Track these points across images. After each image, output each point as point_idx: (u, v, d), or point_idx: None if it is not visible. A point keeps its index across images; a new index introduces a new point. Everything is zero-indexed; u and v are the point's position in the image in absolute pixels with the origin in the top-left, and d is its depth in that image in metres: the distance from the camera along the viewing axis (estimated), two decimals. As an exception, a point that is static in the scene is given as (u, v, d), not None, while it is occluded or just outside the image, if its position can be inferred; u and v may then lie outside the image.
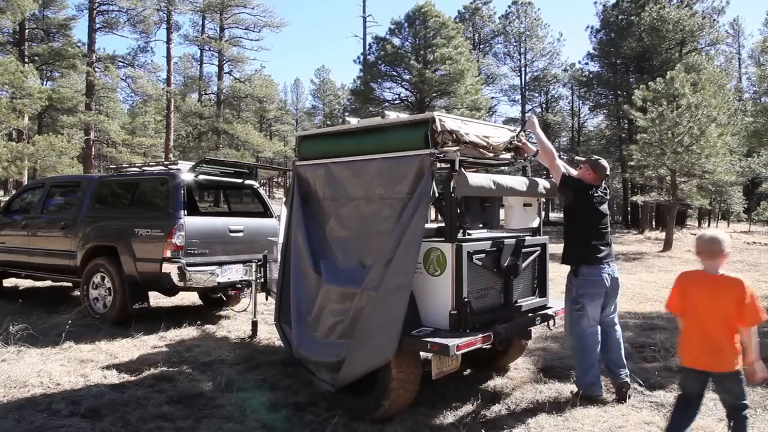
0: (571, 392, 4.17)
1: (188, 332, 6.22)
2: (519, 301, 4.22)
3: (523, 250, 4.23)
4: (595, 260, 4.04)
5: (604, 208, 4.20)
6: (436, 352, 3.43)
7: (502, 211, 4.52)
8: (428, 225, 4.14)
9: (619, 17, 31.97)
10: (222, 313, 7.48)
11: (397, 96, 29.07)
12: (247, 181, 7.43)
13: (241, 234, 6.76)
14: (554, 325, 4.52)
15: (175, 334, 6.09)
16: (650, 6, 29.45)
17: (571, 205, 4.21)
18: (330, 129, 4.48)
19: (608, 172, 4.35)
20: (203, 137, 32.49)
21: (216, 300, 7.72)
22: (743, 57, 48.69)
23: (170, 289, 6.60)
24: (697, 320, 2.99)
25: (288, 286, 4.27)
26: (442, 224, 4.02)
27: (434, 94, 27.72)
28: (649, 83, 19.90)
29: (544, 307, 4.48)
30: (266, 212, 7.43)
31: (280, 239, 4.91)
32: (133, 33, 29.98)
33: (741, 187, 33.47)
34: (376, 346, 3.54)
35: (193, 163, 6.90)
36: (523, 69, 42.81)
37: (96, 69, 27.39)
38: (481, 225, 4.23)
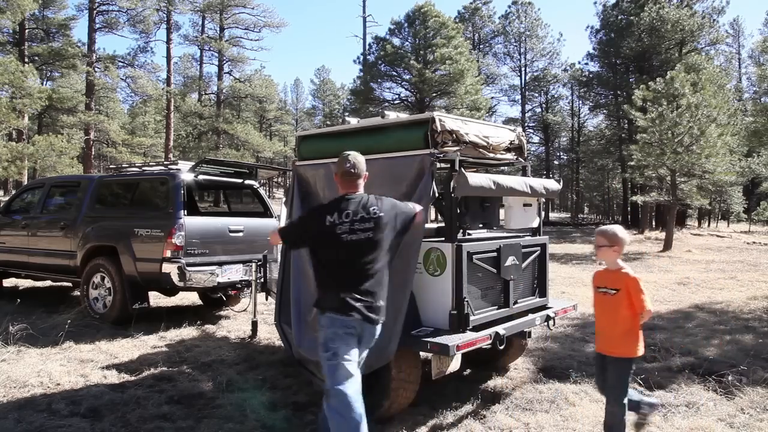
0: None
1: (188, 332, 6.22)
2: (519, 301, 4.22)
3: (523, 250, 4.23)
4: None
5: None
6: (436, 352, 3.43)
7: (502, 211, 4.52)
8: (428, 225, 4.14)
9: (619, 17, 31.97)
10: (222, 313, 7.48)
11: (397, 96, 29.07)
12: (247, 181, 7.43)
13: (241, 234, 6.76)
14: (554, 325, 4.52)
15: (175, 334, 6.09)
16: (650, 6, 29.43)
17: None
18: (330, 129, 4.49)
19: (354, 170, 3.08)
20: (203, 137, 32.49)
21: (216, 300, 7.72)
22: (743, 57, 48.75)
23: (170, 289, 6.60)
24: None
25: (288, 286, 4.27)
26: (442, 224, 4.01)
27: (434, 94, 27.71)
28: (649, 83, 19.88)
29: (544, 307, 4.48)
30: (266, 212, 7.42)
31: (280, 239, 4.90)
32: (133, 33, 30.00)
33: (741, 187, 33.49)
34: (376, 346, 3.53)
35: (193, 163, 6.90)
36: (523, 69, 42.87)
37: (96, 69, 27.39)
38: (481, 225, 4.24)
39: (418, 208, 3.31)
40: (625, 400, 3.19)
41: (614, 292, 3.18)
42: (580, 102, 42.69)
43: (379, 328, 3.07)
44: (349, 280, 2.93)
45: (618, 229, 3.24)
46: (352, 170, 3.06)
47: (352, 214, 2.95)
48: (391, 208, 3.08)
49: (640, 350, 3.19)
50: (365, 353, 3.13)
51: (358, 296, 2.90)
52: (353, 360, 2.92)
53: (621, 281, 3.16)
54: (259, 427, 3.63)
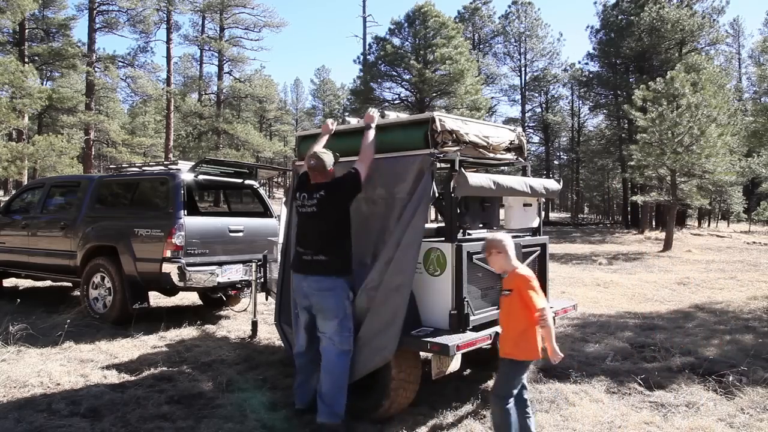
0: None
1: (188, 332, 6.22)
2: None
3: (523, 250, 4.22)
4: None
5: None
6: (436, 352, 3.43)
7: (502, 211, 4.52)
8: (428, 225, 4.14)
9: (619, 17, 31.97)
10: (222, 313, 7.48)
11: (397, 96, 29.07)
12: (247, 181, 7.43)
13: (241, 234, 6.76)
14: (554, 325, 4.51)
15: (175, 334, 6.09)
16: (650, 6, 29.44)
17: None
18: (330, 129, 4.47)
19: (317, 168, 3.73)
20: (203, 137, 32.49)
21: (216, 300, 7.72)
22: (743, 57, 48.74)
23: (170, 289, 6.60)
24: None
25: (288, 286, 4.27)
26: (442, 224, 4.01)
27: (434, 94, 27.72)
28: (649, 83, 19.89)
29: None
30: (266, 212, 7.43)
31: (280, 239, 4.91)
32: (133, 33, 29.99)
33: (741, 187, 33.47)
34: (376, 346, 3.54)
35: (193, 163, 6.90)
36: (523, 69, 42.88)
37: (96, 69, 27.39)
38: (481, 225, 4.24)
39: (360, 170, 3.69)
40: (510, 403, 3.03)
41: (508, 292, 3.09)
42: (580, 102, 42.72)
43: (322, 287, 3.60)
44: (301, 240, 3.81)
45: (488, 237, 3.24)
46: (313, 168, 3.73)
47: (308, 195, 3.73)
48: (336, 190, 3.67)
49: (533, 354, 3.05)
50: (323, 319, 3.62)
51: (303, 249, 3.76)
52: (302, 319, 3.86)
53: (513, 281, 3.08)
54: (259, 427, 3.63)
